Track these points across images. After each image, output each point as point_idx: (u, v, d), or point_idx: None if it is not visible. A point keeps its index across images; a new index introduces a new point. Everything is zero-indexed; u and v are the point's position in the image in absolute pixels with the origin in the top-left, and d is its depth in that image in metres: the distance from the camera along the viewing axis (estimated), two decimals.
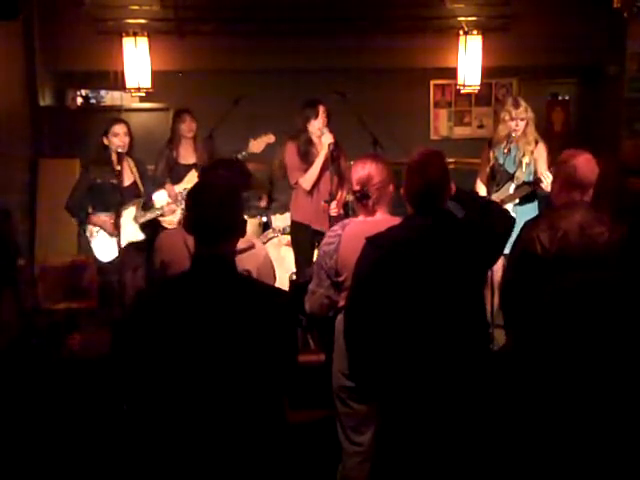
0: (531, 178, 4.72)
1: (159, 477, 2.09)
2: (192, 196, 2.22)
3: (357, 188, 3.03)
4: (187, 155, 5.30)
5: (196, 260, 2.16)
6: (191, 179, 5.13)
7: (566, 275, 2.09)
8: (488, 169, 4.73)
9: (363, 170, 3.03)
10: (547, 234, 2.99)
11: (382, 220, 2.94)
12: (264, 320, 2.10)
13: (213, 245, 2.14)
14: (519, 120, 4.70)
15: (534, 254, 2.97)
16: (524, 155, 4.75)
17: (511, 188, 4.77)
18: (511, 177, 4.78)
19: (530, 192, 4.72)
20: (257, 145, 5.10)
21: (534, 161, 4.74)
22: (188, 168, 5.21)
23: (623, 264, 1.98)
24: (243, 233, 2.24)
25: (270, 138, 5.14)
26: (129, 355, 2.14)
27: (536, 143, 4.76)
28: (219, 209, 2.13)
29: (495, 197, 4.75)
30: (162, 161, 5.25)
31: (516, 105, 4.76)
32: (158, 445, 2.09)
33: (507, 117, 4.75)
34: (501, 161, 4.71)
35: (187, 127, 5.24)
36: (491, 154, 4.83)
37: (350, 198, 5.56)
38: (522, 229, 3.18)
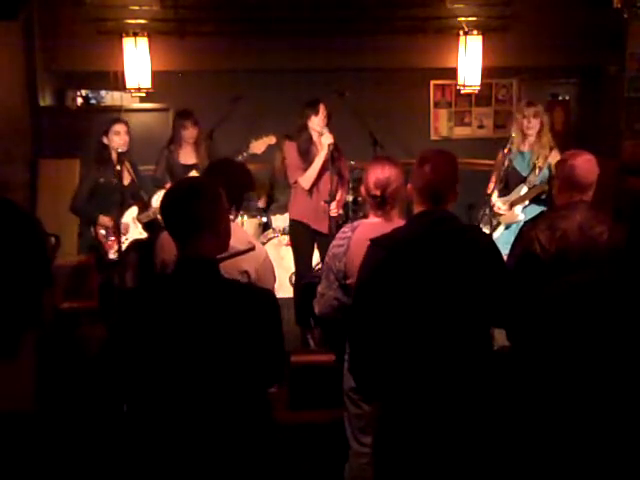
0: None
1: (147, 475, 2.11)
2: (162, 200, 2.26)
3: (377, 192, 3.00)
4: (188, 156, 5.30)
5: (177, 260, 2.19)
6: None
7: (565, 276, 2.09)
8: (503, 170, 4.72)
9: (383, 173, 2.99)
10: (546, 234, 2.98)
11: (395, 224, 2.86)
12: (242, 320, 2.10)
13: (181, 243, 2.17)
14: (531, 117, 4.69)
15: (533, 254, 2.96)
16: (538, 158, 4.74)
17: (522, 191, 4.76)
18: (523, 180, 4.77)
19: (541, 193, 4.70)
20: (258, 146, 5.11)
21: (548, 166, 4.71)
22: (189, 168, 5.22)
23: (623, 265, 1.98)
24: (215, 231, 2.20)
25: (271, 139, 5.15)
26: (117, 356, 2.16)
27: (551, 150, 4.74)
28: (178, 205, 2.16)
29: (505, 199, 4.76)
30: (162, 162, 5.24)
31: (529, 104, 4.77)
32: (146, 444, 2.10)
33: (519, 115, 4.76)
34: (514, 163, 4.71)
35: (189, 133, 5.23)
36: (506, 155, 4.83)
37: (350, 198, 5.58)
38: (521, 229, 3.17)
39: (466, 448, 2.48)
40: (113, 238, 4.84)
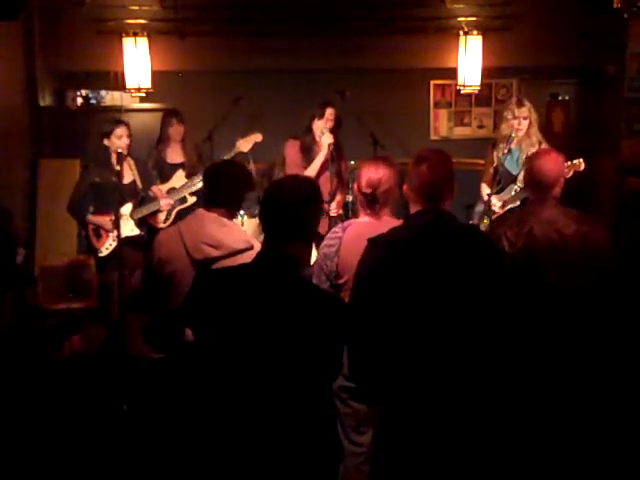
0: None
1: (198, 460, 2.13)
2: (267, 192, 2.26)
3: (368, 191, 3.01)
4: (175, 155, 5.37)
5: (260, 254, 2.21)
6: (178, 178, 5.25)
7: (534, 272, 2.09)
8: (492, 170, 4.72)
9: (376, 173, 3.00)
10: (514, 230, 3.03)
11: (385, 223, 2.90)
12: (317, 323, 2.12)
13: (276, 242, 2.18)
14: (522, 119, 4.69)
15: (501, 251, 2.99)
16: (527, 157, 4.73)
17: (514, 190, 4.76)
18: (514, 179, 4.76)
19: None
20: (244, 144, 5.10)
21: None
22: (175, 167, 5.29)
23: (622, 269, 1.98)
24: (308, 240, 2.26)
25: (257, 137, 5.14)
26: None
27: (539, 145, 4.74)
28: (285, 208, 2.17)
29: (498, 198, 4.75)
30: (150, 162, 5.31)
31: (519, 104, 4.76)
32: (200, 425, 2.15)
33: (510, 115, 4.75)
34: (503, 162, 4.70)
35: (175, 131, 5.31)
36: (494, 155, 4.82)
37: (349, 199, 5.58)
38: (491, 227, 3.19)
39: (467, 451, 2.48)
40: (103, 237, 4.88)
